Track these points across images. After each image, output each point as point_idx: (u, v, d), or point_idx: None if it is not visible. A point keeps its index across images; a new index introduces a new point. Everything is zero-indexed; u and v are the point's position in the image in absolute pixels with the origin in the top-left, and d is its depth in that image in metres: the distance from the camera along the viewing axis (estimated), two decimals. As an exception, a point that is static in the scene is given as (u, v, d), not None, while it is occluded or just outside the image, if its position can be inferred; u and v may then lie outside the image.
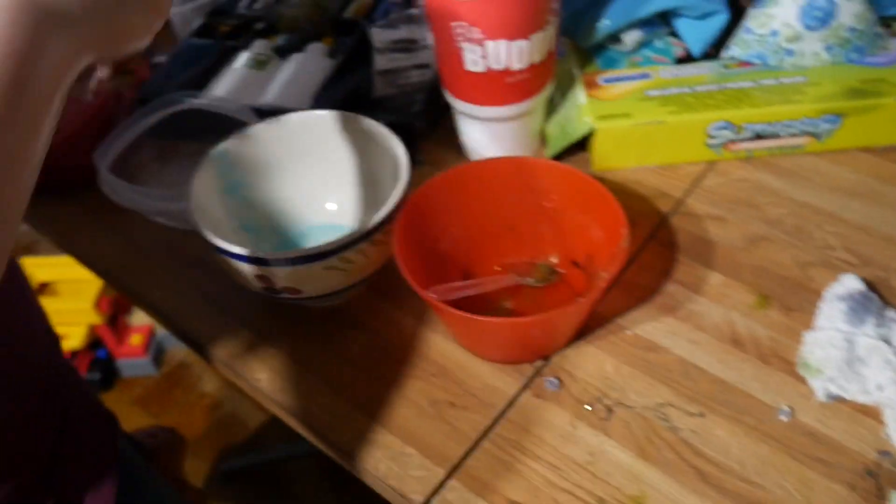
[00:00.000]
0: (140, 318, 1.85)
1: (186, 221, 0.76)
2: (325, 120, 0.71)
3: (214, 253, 0.61)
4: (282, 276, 0.59)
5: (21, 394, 0.64)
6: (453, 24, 0.66)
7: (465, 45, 0.68)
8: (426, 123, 0.81)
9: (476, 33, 0.66)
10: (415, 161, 0.80)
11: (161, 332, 1.87)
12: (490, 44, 0.67)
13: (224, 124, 0.79)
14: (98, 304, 1.73)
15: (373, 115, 0.71)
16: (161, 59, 0.98)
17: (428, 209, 0.64)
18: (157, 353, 1.85)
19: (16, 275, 0.69)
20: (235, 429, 1.72)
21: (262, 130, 0.71)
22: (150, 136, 0.80)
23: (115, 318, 1.81)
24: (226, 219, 0.69)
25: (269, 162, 0.72)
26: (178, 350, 1.89)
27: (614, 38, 0.81)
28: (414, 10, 0.90)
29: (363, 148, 0.71)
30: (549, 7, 0.67)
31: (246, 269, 0.59)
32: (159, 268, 0.75)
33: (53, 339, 0.75)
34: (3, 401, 0.61)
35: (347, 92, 0.85)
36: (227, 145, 0.69)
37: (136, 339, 1.80)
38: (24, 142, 0.35)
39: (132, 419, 1.73)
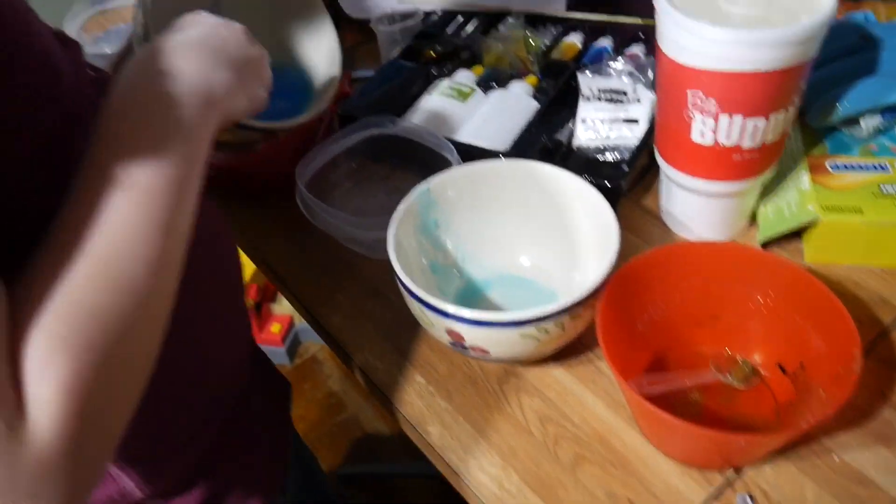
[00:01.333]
0: (282, 308, 1.90)
1: (373, 250, 0.75)
2: (533, 171, 0.68)
3: (409, 298, 0.60)
4: (474, 336, 0.57)
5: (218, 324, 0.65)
6: (688, 91, 0.62)
7: (697, 116, 0.63)
8: (628, 185, 0.77)
9: (711, 105, 0.62)
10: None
11: (299, 324, 1.91)
12: (724, 118, 0.62)
13: (421, 153, 0.78)
14: (247, 290, 1.78)
15: (572, 167, 0.68)
16: (364, 74, 0.99)
17: (631, 287, 0.60)
18: (293, 345, 1.90)
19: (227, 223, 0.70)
20: (356, 433, 1.73)
21: (467, 172, 0.69)
22: (347, 153, 0.81)
23: (260, 305, 1.87)
24: (416, 257, 0.67)
25: (468, 205, 0.70)
26: (312, 344, 1.92)
27: (850, 120, 0.74)
28: (627, 60, 0.86)
29: (567, 206, 0.68)
30: (798, 87, 0.61)
31: (438, 321, 0.58)
32: (339, 291, 0.74)
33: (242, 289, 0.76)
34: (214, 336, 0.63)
35: (548, 137, 0.82)
36: (431, 184, 0.67)
37: (275, 328, 1.85)
38: (195, 176, 0.47)
39: (260, 403, 1.78)
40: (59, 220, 0.42)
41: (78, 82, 0.50)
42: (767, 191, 0.73)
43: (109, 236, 0.41)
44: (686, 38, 0.60)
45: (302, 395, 1.82)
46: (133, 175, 0.43)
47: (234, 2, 0.77)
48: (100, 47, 1.01)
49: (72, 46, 0.55)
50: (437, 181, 0.67)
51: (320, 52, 0.78)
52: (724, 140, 0.64)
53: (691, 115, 0.64)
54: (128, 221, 0.42)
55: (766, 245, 0.72)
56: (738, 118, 0.62)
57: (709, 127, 0.63)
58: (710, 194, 0.69)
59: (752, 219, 0.75)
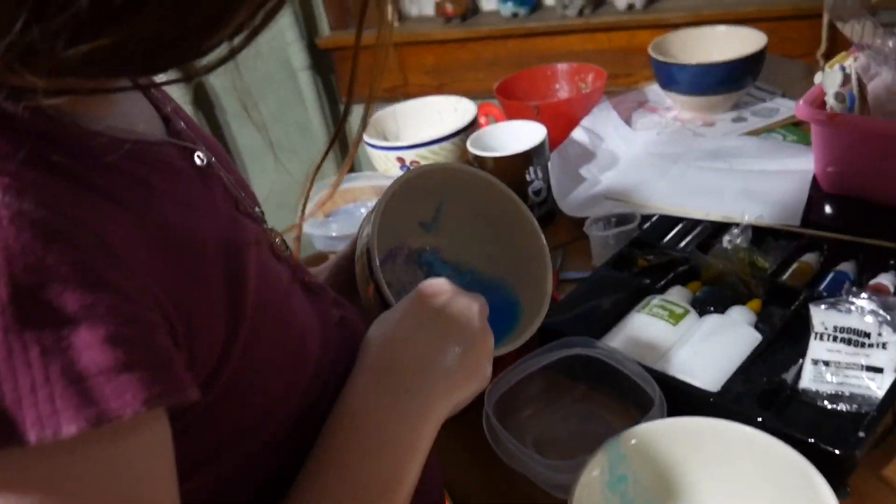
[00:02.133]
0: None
1: (557, 491, 0.70)
2: (742, 435, 0.60)
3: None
4: None
5: None
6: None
7: (957, 404, 0.52)
8: (867, 448, 0.66)
9: (978, 396, 0.51)
10: (836, 490, 0.65)
11: None
12: None
13: (622, 380, 0.73)
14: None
15: (795, 414, 0.59)
16: (573, 276, 0.96)
17: None
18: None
19: None
20: None
21: (663, 427, 0.62)
22: (541, 370, 0.77)
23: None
24: (601, 513, 0.61)
25: (664, 463, 0.62)
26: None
27: None
28: (872, 294, 0.75)
29: (781, 483, 0.58)
30: None
31: None
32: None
33: None
34: None
35: (770, 377, 0.73)
36: (622, 438, 0.61)
37: None
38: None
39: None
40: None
41: (324, 335, 0.54)
42: None
43: None
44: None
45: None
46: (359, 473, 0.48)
47: (453, 211, 0.79)
48: (328, 228, 1.08)
49: (318, 293, 0.59)
50: (629, 434, 0.61)
51: (529, 272, 0.76)
52: None
53: (950, 401, 0.53)
54: None
55: None
56: None
57: (973, 417, 0.52)
58: (974, 492, 0.56)
59: None
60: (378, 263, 0.64)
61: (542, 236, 0.76)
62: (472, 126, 1.15)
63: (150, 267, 0.37)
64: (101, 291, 0.33)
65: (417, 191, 0.73)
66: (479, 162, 1.03)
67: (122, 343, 0.33)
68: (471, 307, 0.55)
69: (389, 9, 0.42)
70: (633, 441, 0.62)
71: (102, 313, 0.33)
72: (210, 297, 0.41)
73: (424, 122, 1.28)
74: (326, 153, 0.49)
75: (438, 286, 0.56)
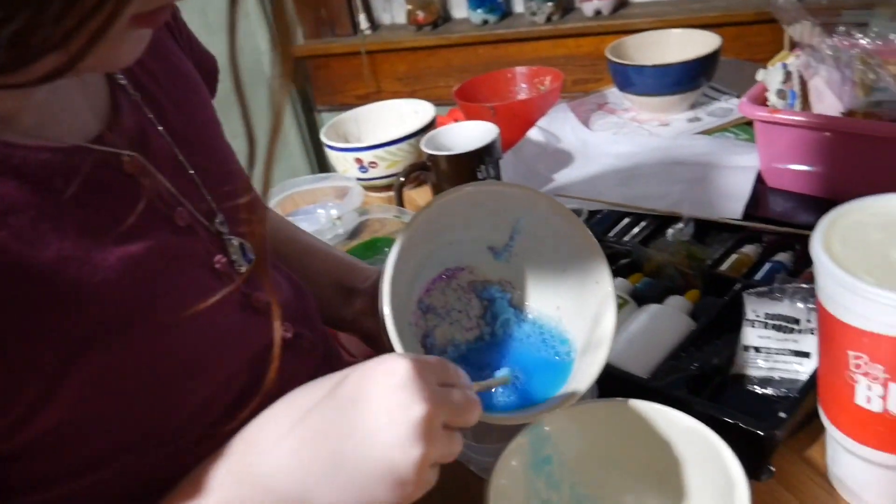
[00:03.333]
0: None
1: (487, 473, 0.71)
2: (658, 414, 0.61)
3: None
4: None
5: None
6: (849, 352, 0.53)
7: (860, 379, 0.54)
8: (787, 433, 0.67)
9: (878, 371, 0.52)
10: (758, 473, 0.66)
11: None
12: (895, 386, 0.52)
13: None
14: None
15: (725, 399, 0.63)
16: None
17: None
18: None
19: None
20: None
21: (591, 409, 0.63)
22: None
23: None
24: (525, 494, 0.62)
25: (592, 445, 0.64)
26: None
27: None
28: (805, 282, 0.77)
29: (696, 459, 0.60)
30: None
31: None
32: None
33: None
34: None
35: (702, 363, 0.74)
36: (549, 419, 0.62)
37: None
38: None
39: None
40: None
41: (251, 357, 0.52)
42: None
43: None
44: (847, 297, 0.52)
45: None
46: None
47: (526, 241, 0.68)
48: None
49: (265, 312, 0.54)
50: (552, 417, 0.62)
51: (590, 336, 0.66)
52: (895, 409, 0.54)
53: (854, 378, 0.54)
54: None
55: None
56: (913, 387, 0.52)
57: (876, 393, 0.54)
58: (882, 465, 0.58)
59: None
60: (389, 281, 0.56)
61: (615, 302, 0.65)
62: (430, 128, 1.17)
63: None
64: None
65: (484, 210, 0.65)
66: (433, 161, 1.04)
67: None
68: (422, 413, 0.42)
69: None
70: (558, 423, 0.63)
71: None
72: (31, 328, 0.39)
73: (385, 124, 1.29)
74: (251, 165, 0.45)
75: (392, 372, 0.43)
